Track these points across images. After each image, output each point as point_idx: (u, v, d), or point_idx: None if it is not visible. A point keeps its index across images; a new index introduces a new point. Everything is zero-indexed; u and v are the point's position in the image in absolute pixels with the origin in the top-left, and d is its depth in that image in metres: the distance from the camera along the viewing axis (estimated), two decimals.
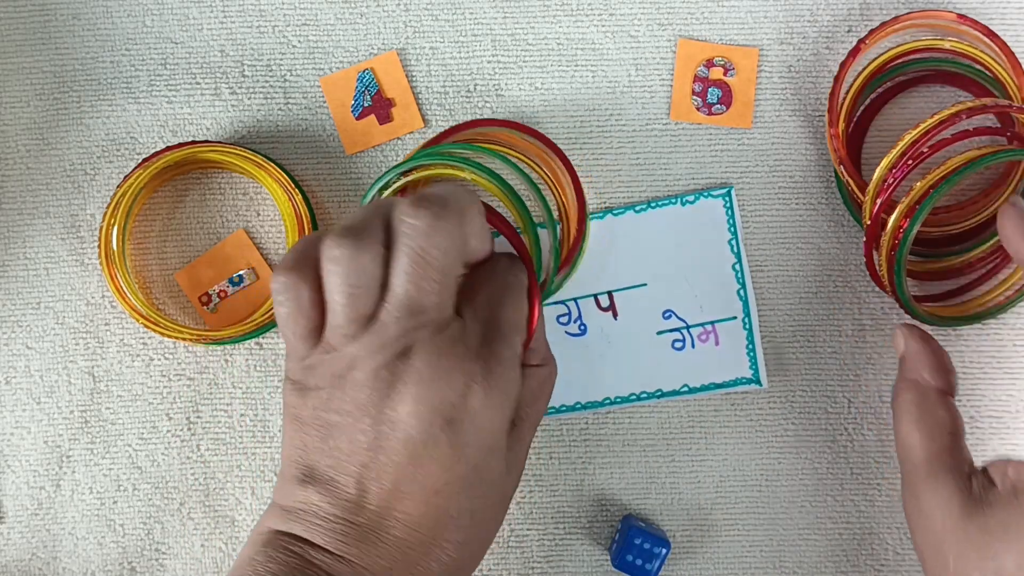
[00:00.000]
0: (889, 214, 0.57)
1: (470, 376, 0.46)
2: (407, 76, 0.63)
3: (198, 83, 0.64)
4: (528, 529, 0.63)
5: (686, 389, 0.63)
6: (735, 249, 0.63)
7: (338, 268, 0.45)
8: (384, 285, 0.45)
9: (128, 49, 0.64)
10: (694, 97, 0.63)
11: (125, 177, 0.61)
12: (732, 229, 0.63)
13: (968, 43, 0.61)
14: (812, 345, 0.63)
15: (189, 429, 0.64)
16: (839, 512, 0.63)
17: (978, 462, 0.51)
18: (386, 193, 0.58)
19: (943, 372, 0.54)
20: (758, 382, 0.63)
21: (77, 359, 0.64)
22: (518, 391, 0.49)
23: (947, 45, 0.61)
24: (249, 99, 0.64)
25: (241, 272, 0.63)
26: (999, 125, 0.63)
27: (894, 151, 0.57)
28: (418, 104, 0.63)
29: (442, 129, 0.63)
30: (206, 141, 0.61)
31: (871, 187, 0.58)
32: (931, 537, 0.49)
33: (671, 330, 0.63)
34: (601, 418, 0.63)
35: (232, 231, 0.64)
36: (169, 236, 0.64)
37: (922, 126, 0.57)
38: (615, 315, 0.63)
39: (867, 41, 0.60)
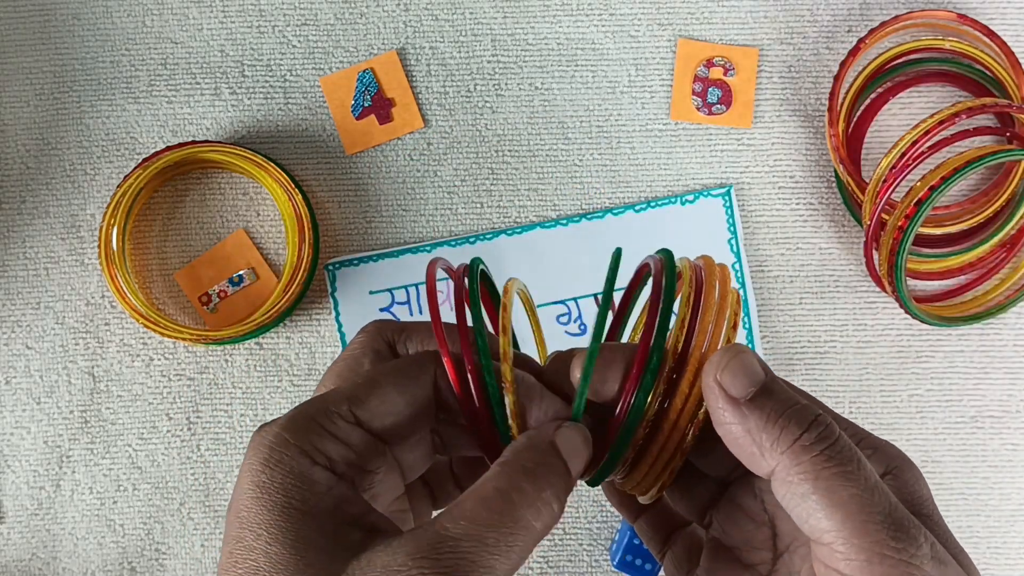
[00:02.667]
0: (889, 214, 0.57)
1: None
2: (407, 76, 0.63)
3: (198, 83, 0.64)
4: None
5: None
6: (735, 249, 0.63)
7: None
8: None
9: (128, 49, 0.64)
10: (694, 97, 0.63)
11: (125, 177, 0.61)
12: (732, 229, 0.63)
13: (968, 43, 0.61)
14: (812, 345, 0.63)
15: (189, 429, 0.64)
16: None
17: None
18: None
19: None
20: None
21: (77, 359, 0.64)
22: None
23: (947, 45, 0.61)
24: (249, 99, 0.64)
25: (241, 272, 0.63)
26: (999, 125, 0.63)
27: (894, 151, 0.57)
28: (418, 104, 0.63)
29: (442, 129, 0.63)
30: (206, 141, 0.61)
31: (871, 187, 0.58)
32: None
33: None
34: None
35: (232, 231, 0.64)
36: (169, 236, 0.64)
37: (922, 126, 0.57)
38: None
39: (867, 41, 0.60)
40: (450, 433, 0.37)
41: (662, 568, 0.40)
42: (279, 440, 0.32)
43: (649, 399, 0.33)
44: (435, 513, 0.39)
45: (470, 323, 0.34)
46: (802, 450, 0.31)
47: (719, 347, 0.33)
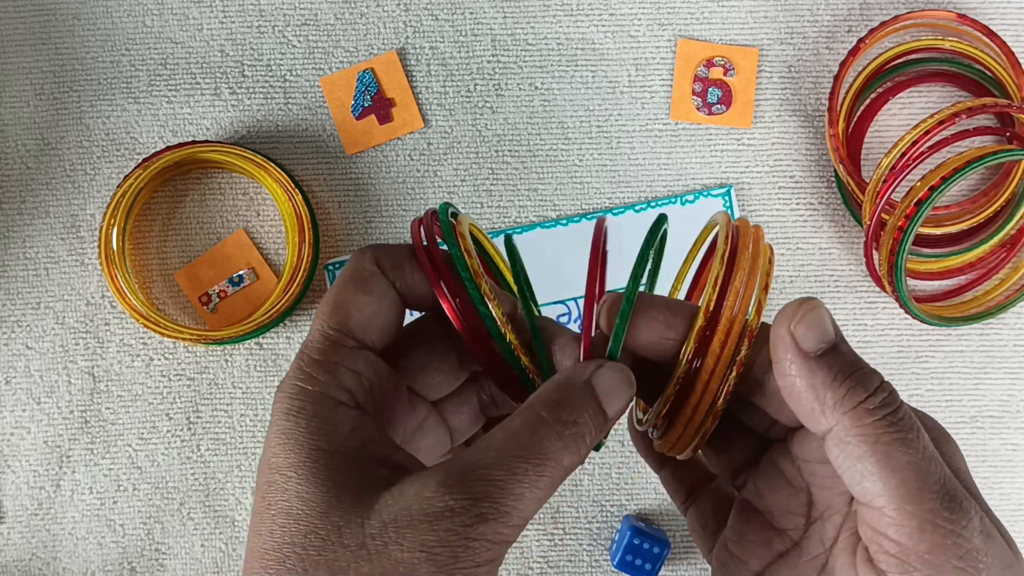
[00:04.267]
0: (889, 214, 0.57)
1: None
2: (407, 76, 0.63)
3: (198, 83, 0.64)
4: (528, 529, 0.63)
5: None
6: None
7: None
8: None
9: (128, 49, 0.64)
10: (694, 97, 0.63)
11: (125, 177, 0.61)
12: None
13: (968, 43, 0.61)
14: None
15: (189, 429, 0.64)
16: None
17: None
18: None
19: None
20: None
21: (77, 359, 0.64)
22: None
23: (947, 45, 0.61)
24: (249, 99, 0.64)
25: (241, 272, 0.63)
26: (999, 125, 0.63)
27: (894, 151, 0.57)
28: (418, 104, 0.63)
29: (442, 129, 0.63)
30: (206, 141, 0.61)
31: (871, 187, 0.58)
32: None
33: None
34: None
35: (232, 231, 0.64)
36: (169, 236, 0.64)
37: (922, 126, 0.57)
38: None
39: (867, 41, 0.60)
40: (495, 392, 0.38)
41: (687, 524, 0.40)
42: (296, 390, 0.32)
43: (683, 356, 0.33)
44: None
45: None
46: (866, 413, 0.31)
47: (750, 307, 0.33)
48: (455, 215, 0.37)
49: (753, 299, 0.33)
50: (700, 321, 0.33)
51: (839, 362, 0.32)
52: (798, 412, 0.32)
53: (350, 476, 0.31)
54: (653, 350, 0.34)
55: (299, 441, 0.31)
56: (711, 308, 0.33)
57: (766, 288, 0.34)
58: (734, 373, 0.33)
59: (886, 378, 0.32)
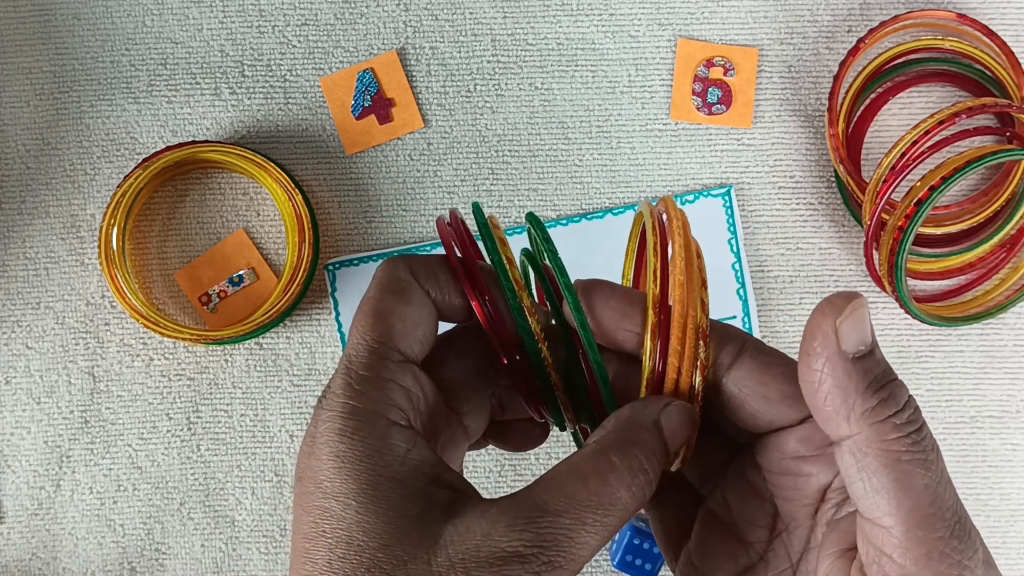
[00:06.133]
0: (889, 214, 0.57)
1: None
2: (407, 76, 0.63)
3: (198, 83, 0.64)
4: None
5: None
6: (735, 249, 0.63)
7: None
8: None
9: (128, 49, 0.64)
10: (694, 97, 0.63)
11: (125, 177, 0.61)
12: (732, 229, 0.63)
13: (968, 43, 0.61)
14: None
15: (189, 429, 0.64)
16: None
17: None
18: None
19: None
20: None
21: (77, 359, 0.64)
22: None
23: (947, 45, 0.61)
24: (249, 99, 0.64)
25: (241, 272, 0.63)
26: (999, 125, 0.63)
27: (894, 151, 0.57)
28: (418, 104, 0.63)
29: (442, 129, 0.63)
30: (206, 141, 0.61)
31: (871, 187, 0.58)
32: None
33: None
34: None
35: (232, 231, 0.64)
36: (169, 236, 0.64)
37: (922, 126, 0.57)
38: None
39: (867, 41, 0.60)
40: (504, 397, 0.37)
41: (650, 525, 0.38)
42: (348, 409, 0.31)
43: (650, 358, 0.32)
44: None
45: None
46: (892, 428, 0.29)
47: (696, 299, 0.32)
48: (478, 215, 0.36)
49: (697, 298, 0.32)
50: (651, 317, 0.32)
51: (876, 369, 0.30)
52: (817, 412, 0.31)
53: (410, 503, 0.30)
54: (614, 340, 0.34)
55: (356, 466, 0.30)
56: (657, 303, 0.32)
57: (704, 284, 0.33)
58: (699, 376, 0.32)
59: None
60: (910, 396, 0.30)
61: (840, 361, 0.30)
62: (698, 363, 0.32)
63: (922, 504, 0.29)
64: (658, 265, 0.32)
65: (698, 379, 0.32)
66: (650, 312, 0.32)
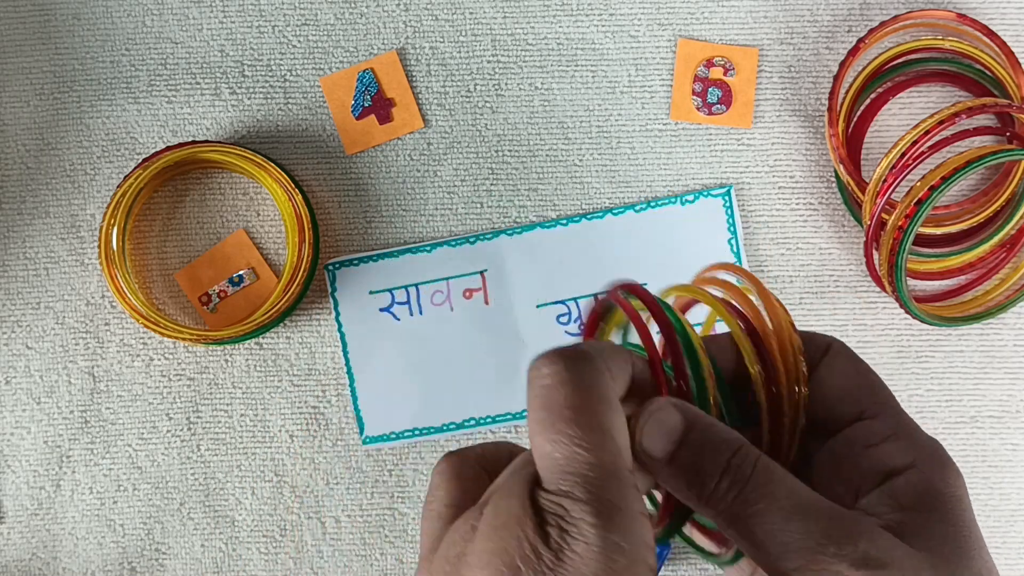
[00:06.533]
0: (889, 214, 0.57)
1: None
2: (407, 76, 0.63)
3: (198, 83, 0.64)
4: None
5: None
6: (735, 249, 0.63)
7: None
8: None
9: (128, 49, 0.64)
10: (694, 97, 0.63)
11: (125, 177, 0.61)
12: (732, 229, 0.63)
13: (968, 43, 0.61)
14: None
15: (189, 429, 0.64)
16: None
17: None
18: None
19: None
20: None
21: (77, 359, 0.64)
22: None
23: (947, 45, 0.61)
24: (249, 99, 0.64)
25: (241, 272, 0.63)
26: (999, 125, 0.63)
27: (894, 151, 0.57)
28: (418, 104, 0.63)
29: (442, 129, 0.63)
30: (206, 141, 0.61)
31: (871, 187, 0.58)
32: None
33: None
34: None
35: (232, 231, 0.64)
36: (169, 236, 0.64)
37: (922, 126, 0.57)
38: None
39: (867, 41, 0.60)
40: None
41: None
42: (624, 562, 0.28)
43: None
44: None
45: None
46: (718, 500, 0.30)
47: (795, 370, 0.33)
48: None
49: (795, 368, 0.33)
50: (764, 402, 0.33)
51: (688, 456, 0.31)
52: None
53: None
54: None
55: None
56: (764, 382, 0.33)
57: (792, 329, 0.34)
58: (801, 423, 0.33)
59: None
60: (731, 457, 0.30)
61: (659, 468, 0.31)
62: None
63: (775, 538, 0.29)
64: (750, 348, 0.33)
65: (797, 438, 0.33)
66: (762, 397, 0.33)
